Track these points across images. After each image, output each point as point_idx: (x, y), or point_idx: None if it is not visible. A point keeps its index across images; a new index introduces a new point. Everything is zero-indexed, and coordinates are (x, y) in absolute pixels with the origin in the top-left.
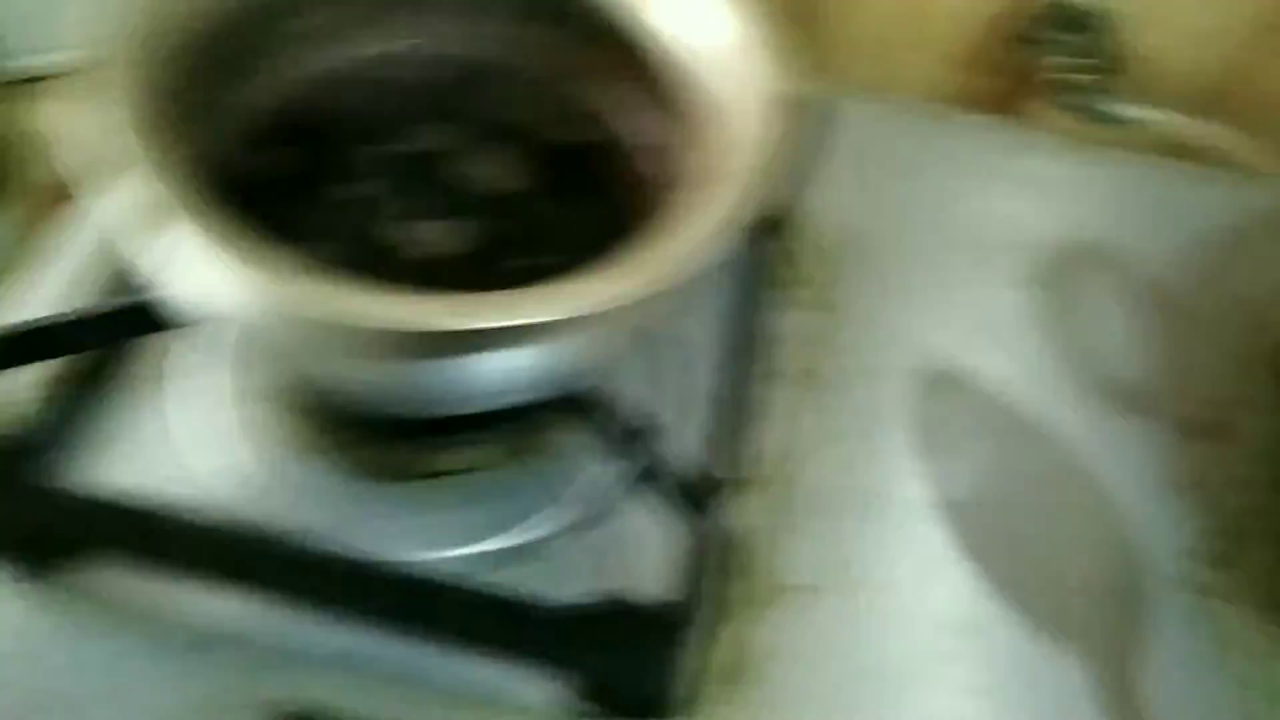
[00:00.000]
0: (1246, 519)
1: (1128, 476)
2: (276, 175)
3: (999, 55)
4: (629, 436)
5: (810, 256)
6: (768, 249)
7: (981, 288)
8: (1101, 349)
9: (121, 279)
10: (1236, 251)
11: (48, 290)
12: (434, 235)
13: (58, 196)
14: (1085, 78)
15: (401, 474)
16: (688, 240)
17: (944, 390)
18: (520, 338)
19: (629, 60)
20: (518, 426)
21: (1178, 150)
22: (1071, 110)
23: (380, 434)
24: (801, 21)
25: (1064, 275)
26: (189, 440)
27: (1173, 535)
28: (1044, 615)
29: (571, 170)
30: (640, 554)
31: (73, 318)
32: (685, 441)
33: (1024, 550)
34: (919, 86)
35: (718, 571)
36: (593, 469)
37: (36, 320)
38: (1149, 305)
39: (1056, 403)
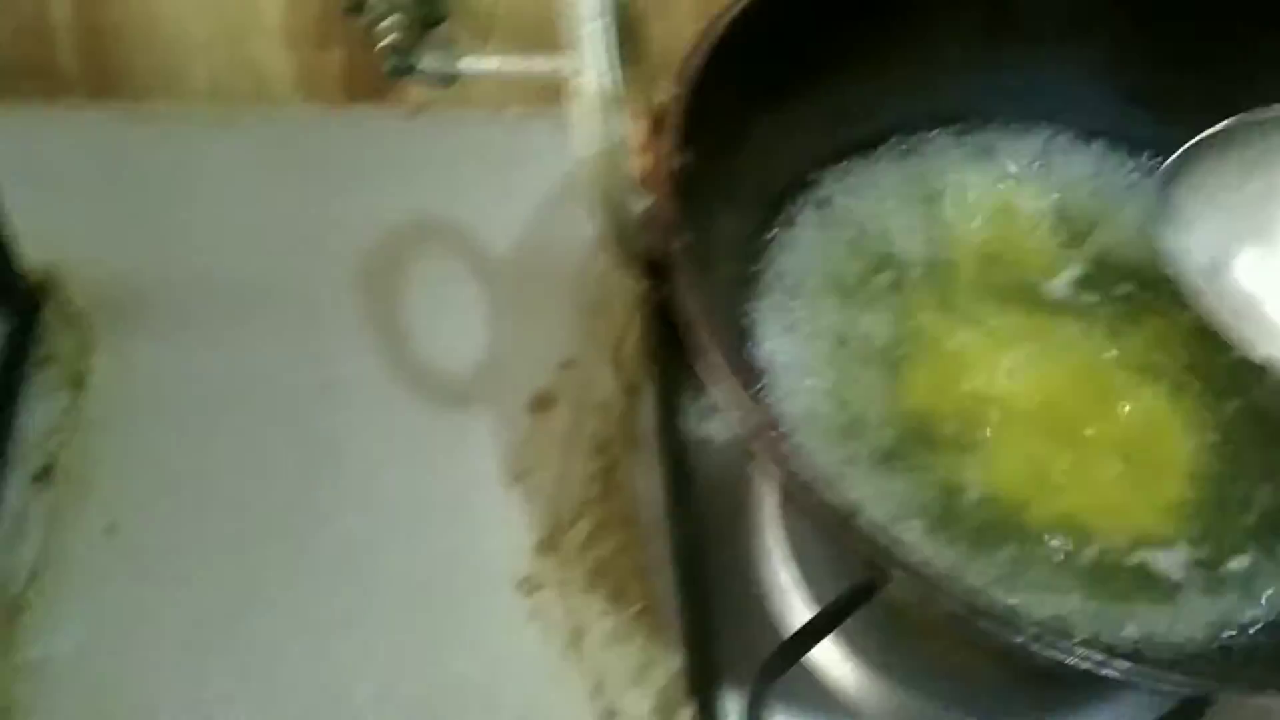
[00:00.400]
0: (561, 501)
1: (466, 472)
2: None
3: (332, 28)
4: None
5: (59, 324)
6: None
7: (296, 302)
8: (435, 337)
9: None
10: (557, 205)
11: None
12: None
13: None
14: (414, 36)
15: None
16: None
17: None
18: None
19: None
20: None
21: (536, 95)
22: (411, 75)
23: None
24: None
25: (394, 264)
26: None
27: (508, 529)
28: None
29: None
30: None
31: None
32: None
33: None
34: (244, 82)
35: None
36: None
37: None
38: (482, 279)
39: (386, 406)
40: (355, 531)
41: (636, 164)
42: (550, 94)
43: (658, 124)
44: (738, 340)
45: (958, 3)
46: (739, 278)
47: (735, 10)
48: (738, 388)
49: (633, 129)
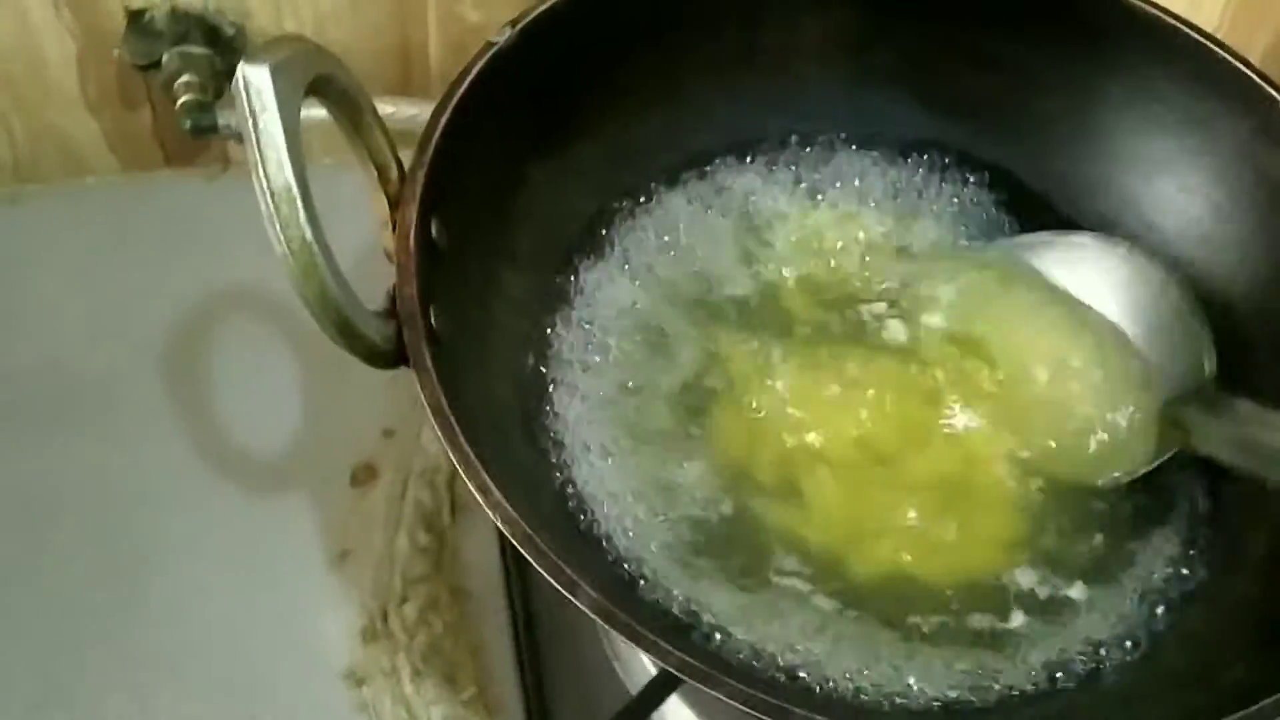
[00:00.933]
0: (386, 580)
1: (287, 557)
2: None
3: (137, 87)
4: None
5: None
6: None
7: (104, 391)
8: (250, 414)
9: None
10: (371, 260)
11: None
12: None
13: None
14: (212, 91)
15: None
16: None
17: None
18: None
19: None
20: None
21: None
22: (215, 133)
23: None
24: None
25: (204, 339)
26: None
27: (333, 615)
28: None
29: None
30: None
31: None
32: None
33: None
34: (49, 153)
35: None
36: None
37: None
38: (296, 346)
39: (202, 494)
40: (175, 632)
41: (384, 239)
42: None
43: (400, 194)
44: (522, 415)
45: (714, 33)
46: (529, 337)
47: (481, 64)
48: (496, 497)
49: (375, 202)
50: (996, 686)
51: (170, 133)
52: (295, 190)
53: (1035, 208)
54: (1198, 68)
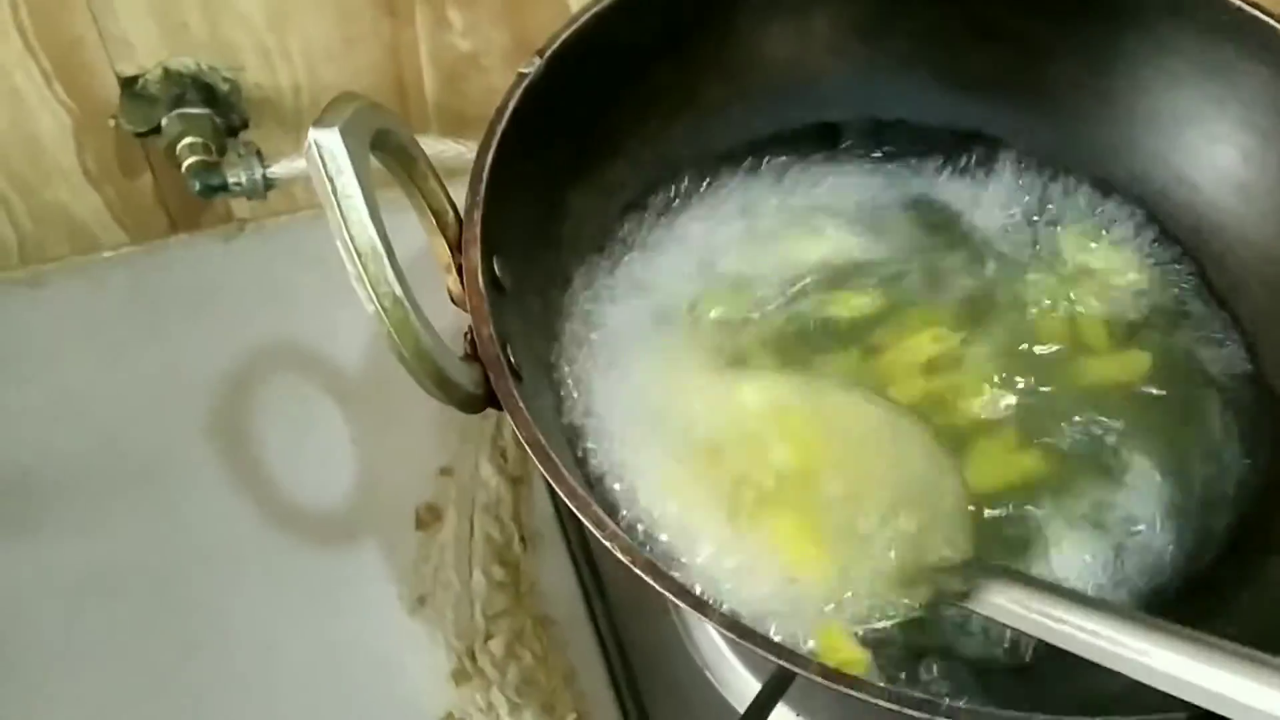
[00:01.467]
0: (469, 618)
1: (363, 609)
2: None
3: (136, 155)
4: None
5: None
6: None
7: (150, 467)
8: (303, 470)
9: None
10: None
11: None
12: None
13: None
14: (217, 150)
15: None
16: None
17: None
18: None
19: None
20: None
21: None
22: (225, 191)
23: None
24: None
25: (245, 400)
26: None
27: (420, 661)
28: None
29: None
30: None
31: None
32: None
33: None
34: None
35: None
36: None
37: None
38: (339, 396)
39: (266, 558)
40: (263, 697)
41: (448, 283)
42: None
43: (459, 237)
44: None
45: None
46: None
47: (517, 97)
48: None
49: (435, 247)
50: None
51: (173, 197)
52: (380, 247)
53: (1067, 172)
54: (1210, 18)
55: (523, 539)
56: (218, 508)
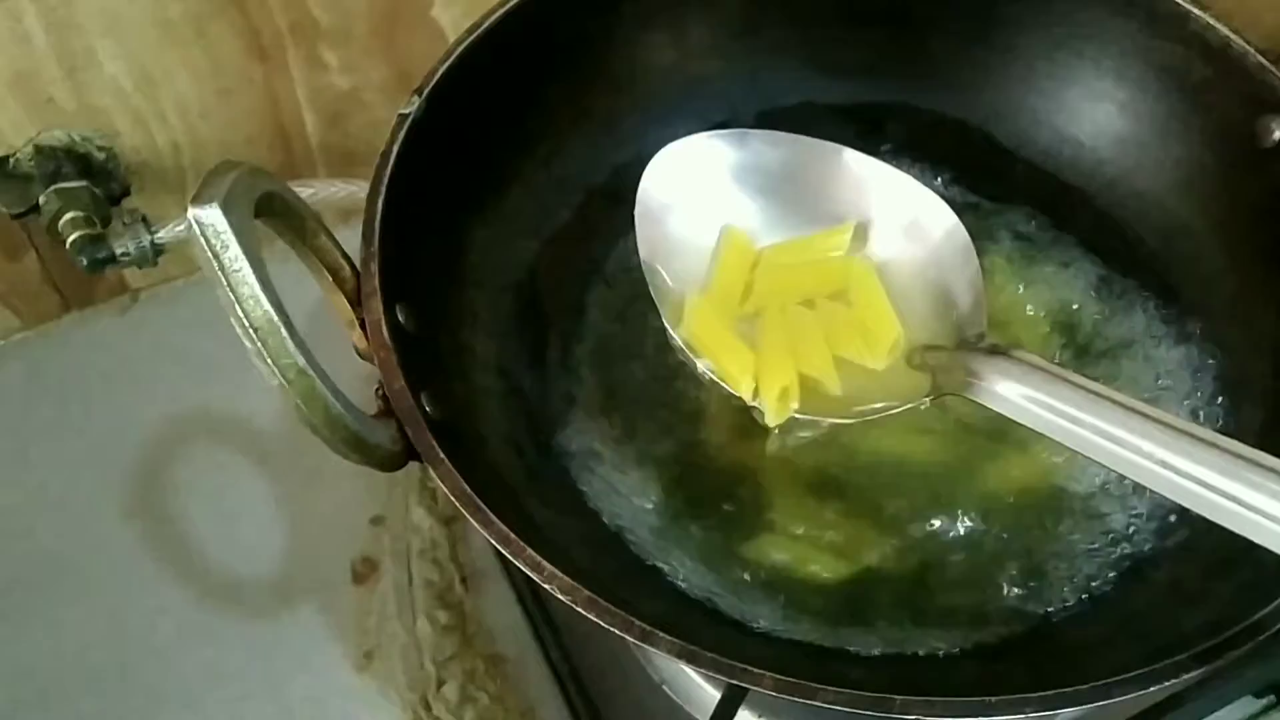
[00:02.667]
0: (419, 668)
1: (311, 673)
2: None
3: (16, 235)
4: None
5: None
6: None
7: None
8: (232, 541)
9: None
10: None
11: None
12: None
13: None
14: (100, 222)
15: None
16: None
17: None
18: None
19: None
20: None
21: None
22: (114, 264)
23: None
24: None
25: (162, 475)
26: None
27: (373, 716)
28: None
29: None
30: None
31: None
32: None
33: None
34: None
35: None
36: None
37: None
38: (259, 458)
39: (205, 634)
40: None
41: (353, 339)
42: (267, 233)
43: (358, 290)
44: (526, 472)
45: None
46: (512, 391)
47: (400, 139)
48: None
49: (335, 303)
50: None
51: (62, 274)
52: (277, 319)
53: (951, 137)
54: None
55: (463, 579)
56: (146, 591)
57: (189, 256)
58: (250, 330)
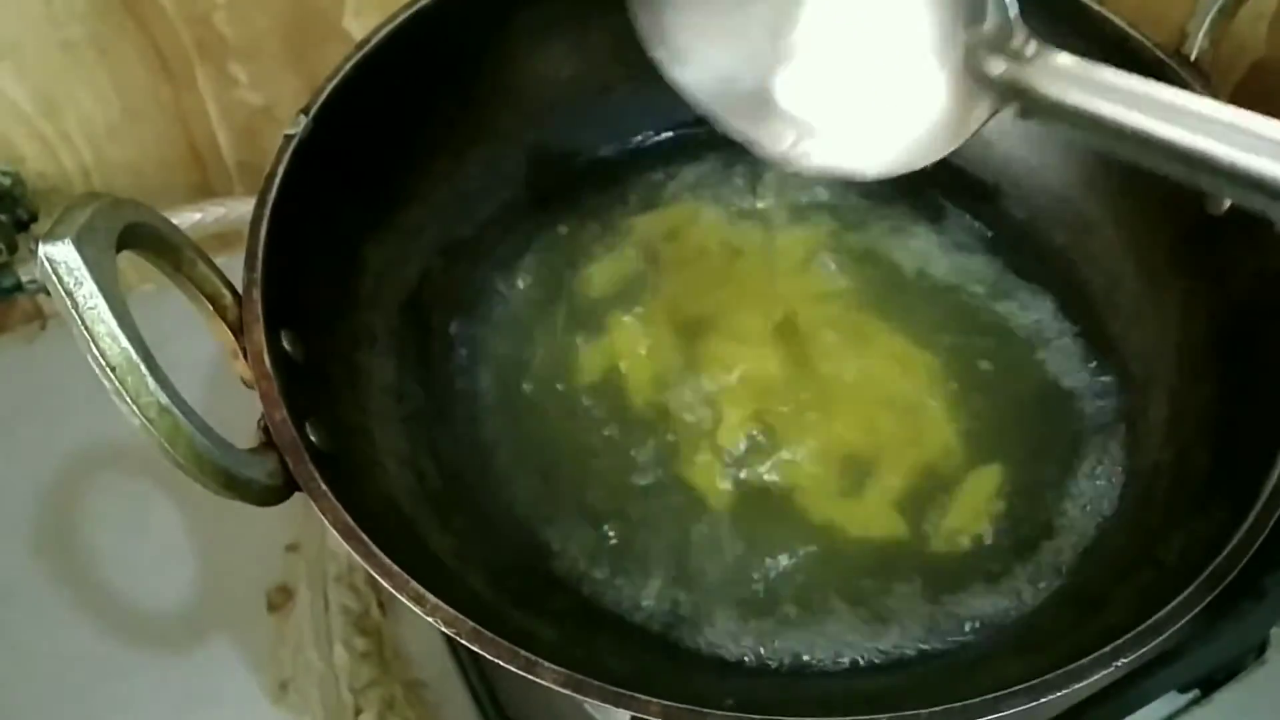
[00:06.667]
0: (335, 696)
1: (225, 708)
2: None
3: None
4: None
5: None
6: None
7: None
8: (144, 574)
9: None
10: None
11: None
12: None
13: None
14: (6, 248)
15: None
16: None
17: None
18: None
19: None
20: None
21: None
22: (21, 291)
23: None
24: None
25: (71, 510)
26: None
27: None
28: None
29: None
30: None
31: None
32: None
33: None
34: None
35: None
36: None
37: None
38: (170, 488)
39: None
40: None
41: (237, 369)
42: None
43: (241, 318)
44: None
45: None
46: (417, 414)
47: (286, 160)
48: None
49: (216, 333)
50: None
51: None
52: (135, 356)
53: None
54: None
55: (380, 604)
56: (55, 627)
57: None
58: (107, 369)
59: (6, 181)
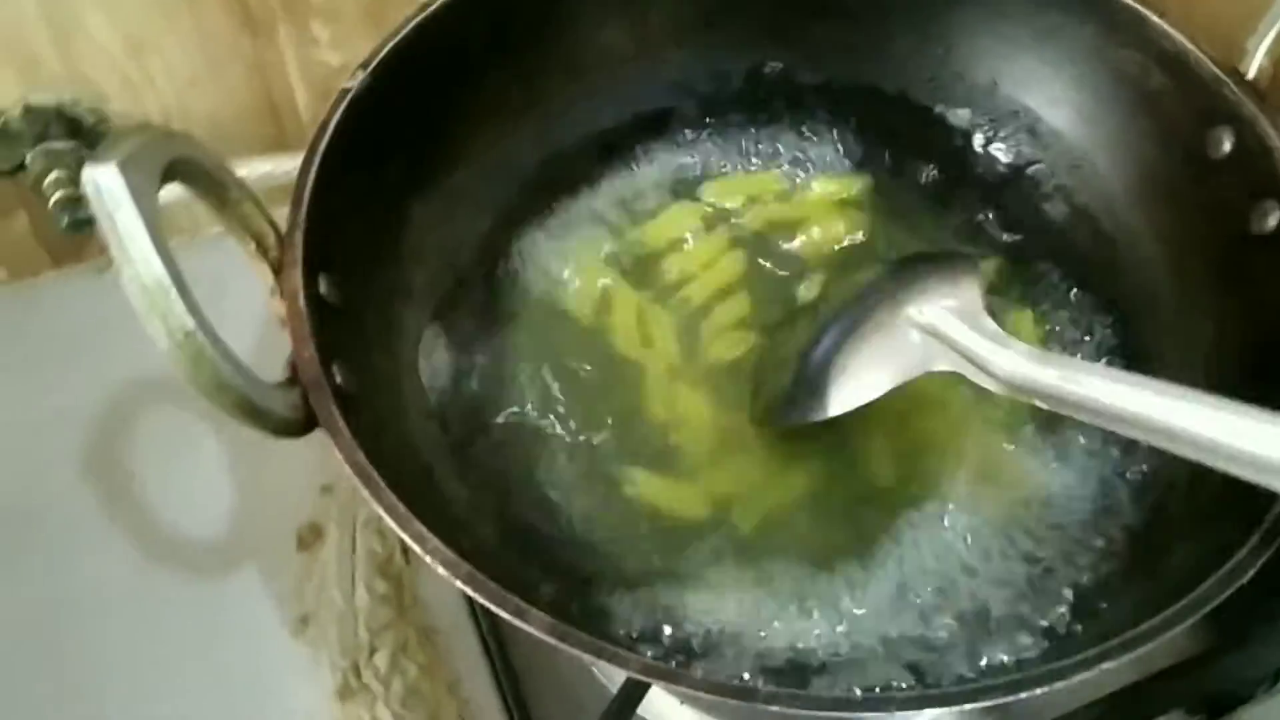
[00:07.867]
0: (352, 635)
1: (247, 635)
2: None
3: (6, 193)
4: None
5: None
6: None
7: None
8: (183, 500)
9: None
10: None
11: None
12: None
13: None
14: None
15: None
16: None
17: None
18: None
19: None
20: None
21: None
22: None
23: None
24: None
25: (121, 435)
26: None
27: (304, 682)
28: None
29: None
30: None
31: None
32: None
33: None
34: None
35: None
36: None
37: None
38: (215, 423)
39: (149, 593)
40: None
41: (274, 306)
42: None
43: (281, 259)
44: (451, 447)
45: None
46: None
47: (340, 113)
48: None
49: (259, 271)
50: None
51: (51, 233)
52: (168, 281)
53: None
54: None
55: (405, 551)
56: (95, 546)
57: (178, 219)
58: (140, 291)
59: (91, 119)
